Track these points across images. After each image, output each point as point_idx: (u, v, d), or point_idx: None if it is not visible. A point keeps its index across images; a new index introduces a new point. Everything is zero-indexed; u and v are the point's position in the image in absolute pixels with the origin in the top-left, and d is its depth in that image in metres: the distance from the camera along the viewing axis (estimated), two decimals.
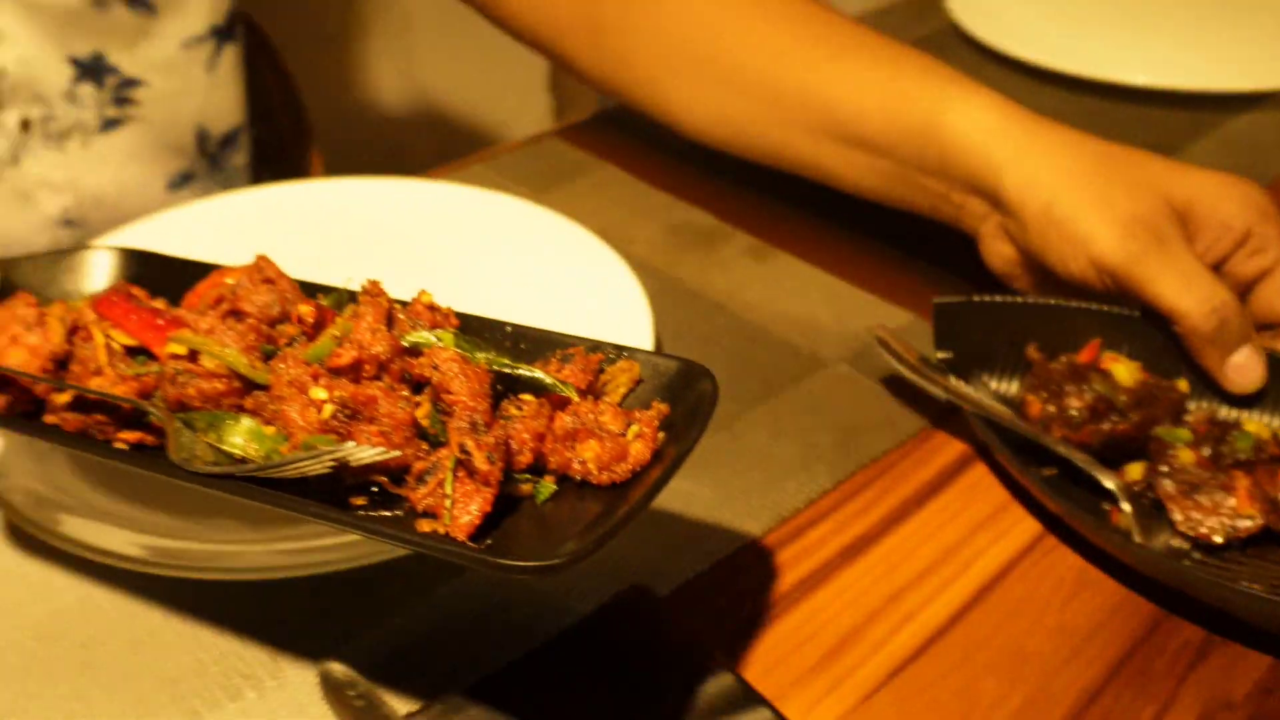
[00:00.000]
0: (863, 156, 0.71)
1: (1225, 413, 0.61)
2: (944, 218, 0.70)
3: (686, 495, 0.58)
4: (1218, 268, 0.63)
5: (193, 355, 0.46)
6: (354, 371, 0.44)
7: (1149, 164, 0.64)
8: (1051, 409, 0.58)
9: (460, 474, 0.41)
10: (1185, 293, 0.59)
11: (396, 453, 0.42)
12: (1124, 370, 0.60)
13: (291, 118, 1.20)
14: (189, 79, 0.96)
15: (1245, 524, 0.53)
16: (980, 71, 1.00)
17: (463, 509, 0.40)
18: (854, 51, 0.72)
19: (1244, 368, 0.60)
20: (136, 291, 0.51)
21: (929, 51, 0.71)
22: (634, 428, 0.43)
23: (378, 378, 0.44)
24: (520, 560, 0.38)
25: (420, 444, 0.43)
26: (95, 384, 0.47)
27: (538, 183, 0.86)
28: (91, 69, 0.91)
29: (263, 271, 0.49)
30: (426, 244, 0.76)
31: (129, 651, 0.51)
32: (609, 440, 0.43)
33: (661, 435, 0.44)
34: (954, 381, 0.62)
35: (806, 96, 0.72)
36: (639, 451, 0.43)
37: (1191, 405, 0.61)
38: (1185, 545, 0.54)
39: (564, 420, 0.44)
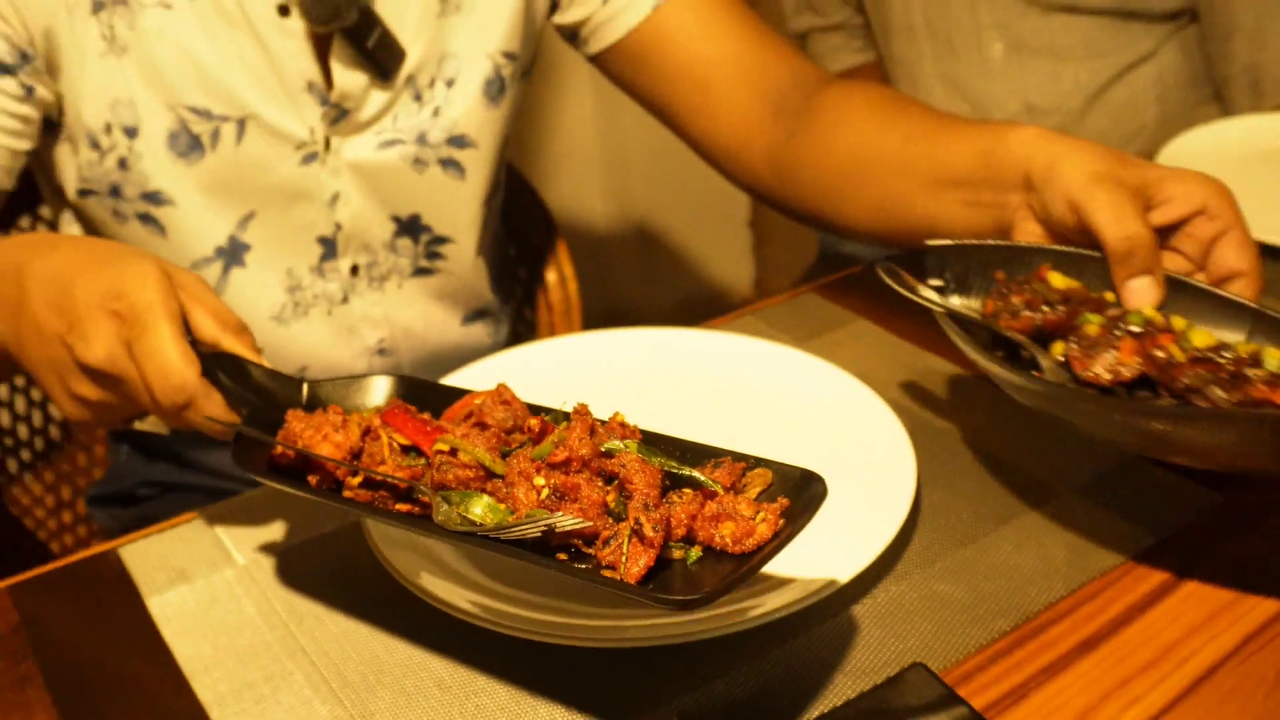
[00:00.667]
0: (959, 193, 0.93)
1: (1149, 315, 0.76)
2: (1000, 225, 0.89)
3: (945, 597, 0.72)
4: (1178, 228, 0.81)
5: (453, 451, 0.65)
6: (565, 466, 0.63)
7: (1140, 160, 0.85)
8: (999, 304, 0.77)
9: (634, 540, 0.59)
10: (1112, 223, 0.78)
11: (590, 524, 0.60)
12: (1058, 279, 0.79)
13: (544, 231, 1.40)
14: (485, 234, 1.17)
15: (1125, 371, 0.71)
16: None
17: (634, 563, 0.59)
18: (944, 122, 0.98)
19: (1139, 290, 0.79)
20: (409, 407, 0.71)
21: None
22: (761, 514, 0.61)
23: (581, 471, 0.63)
24: (670, 596, 0.56)
25: (607, 519, 0.61)
26: (380, 470, 0.67)
27: (802, 333, 1.02)
28: (409, 226, 1.12)
29: (501, 395, 0.70)
30: (712, 386, 0.92)
31: (511, 702, 0.67)
32: (742, 522, 0.60)
33: (782, 521, 0.61)
34: (936, 297, 0.82)
35: (929, 160, 0.95)
36: (763, 532, 0.60)
37: (1114, 310, 0.77)
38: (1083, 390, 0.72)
39: (711, 507, 0.62)
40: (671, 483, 0.64)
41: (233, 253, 1.05)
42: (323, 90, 1.02)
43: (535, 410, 0.70)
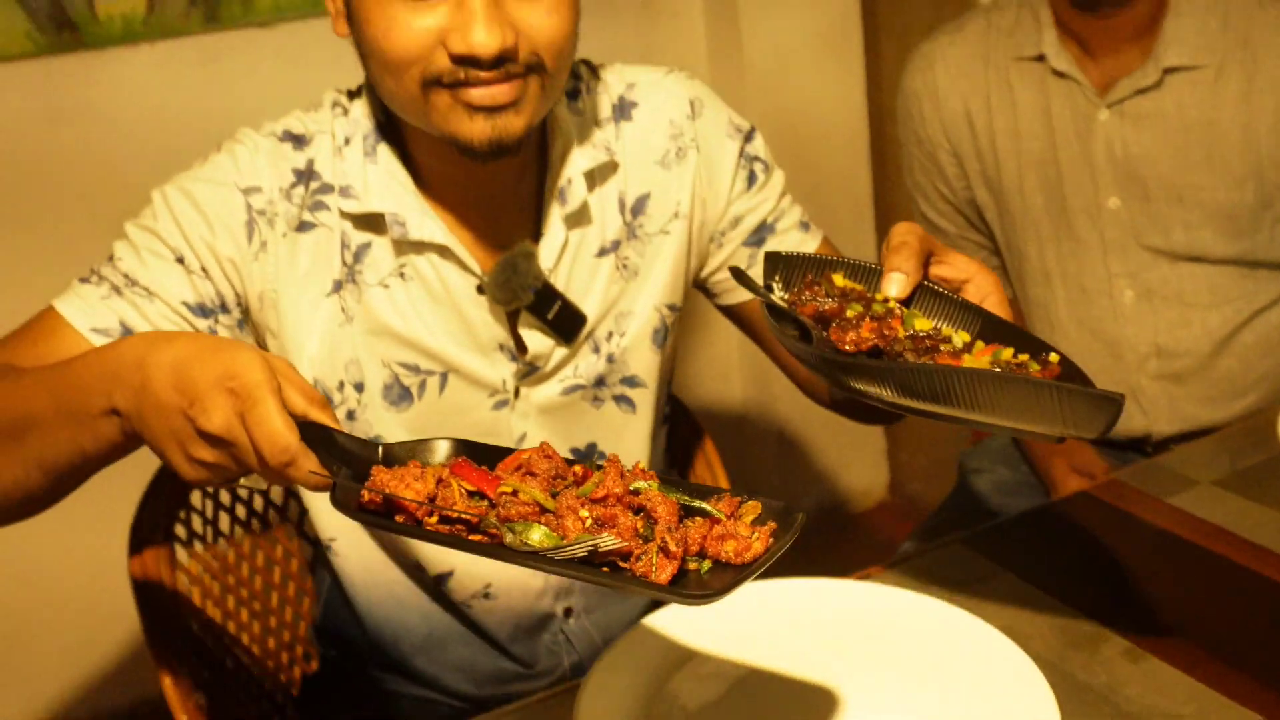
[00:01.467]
0: None
1: (892, 306, 0.99)
2: None
3: None
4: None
5: (514, 492, 0.82)
6: (603, 501, 0.81)
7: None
8: (796, 296, 1.00)
9: (660, 555, 0.77)
10: (893, 235, 1.00)
11: (626, 544, 0.78)
12: (839, 279, 1.01)
13: (691, 431, 1.54)
14: (654, 456, 1.33)
15: (866, 342, 0.93)
16: None
17: (662, 571, 0.77)
18: None
19: (894, 280, 0.98)
20: (472, 462, 0.88)
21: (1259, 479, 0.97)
22: (755, 534, 0.79)
23: (616, 505, 0.80)
24: (690, 592, 0.75)
25: (638, 540, 0.78)
26: (455, 510, 0.83)
27: (949, 585, 1.12)
28: (586, 455, 1.27)
29: (544, 451, 0.87)
30: (862, 638, 1.03)
31: None
32: (741, 540, 0.79)
33: (771, 540, 0.79)
34: (764, 291, 1.03)
35: None
36: (757, 548, 0.79)
37: (877, 304, 0.98)
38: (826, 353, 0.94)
39: (717, 530, 0.80)
40: (685, 512, 0.82)
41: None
42: (513, 350, 1.20)
43: (571, 462, 0.87)
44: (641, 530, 0.80)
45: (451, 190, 1.17)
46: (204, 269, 1.13)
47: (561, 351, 1.21)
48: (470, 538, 0.82)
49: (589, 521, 0.81)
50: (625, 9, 2.56)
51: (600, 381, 1.25)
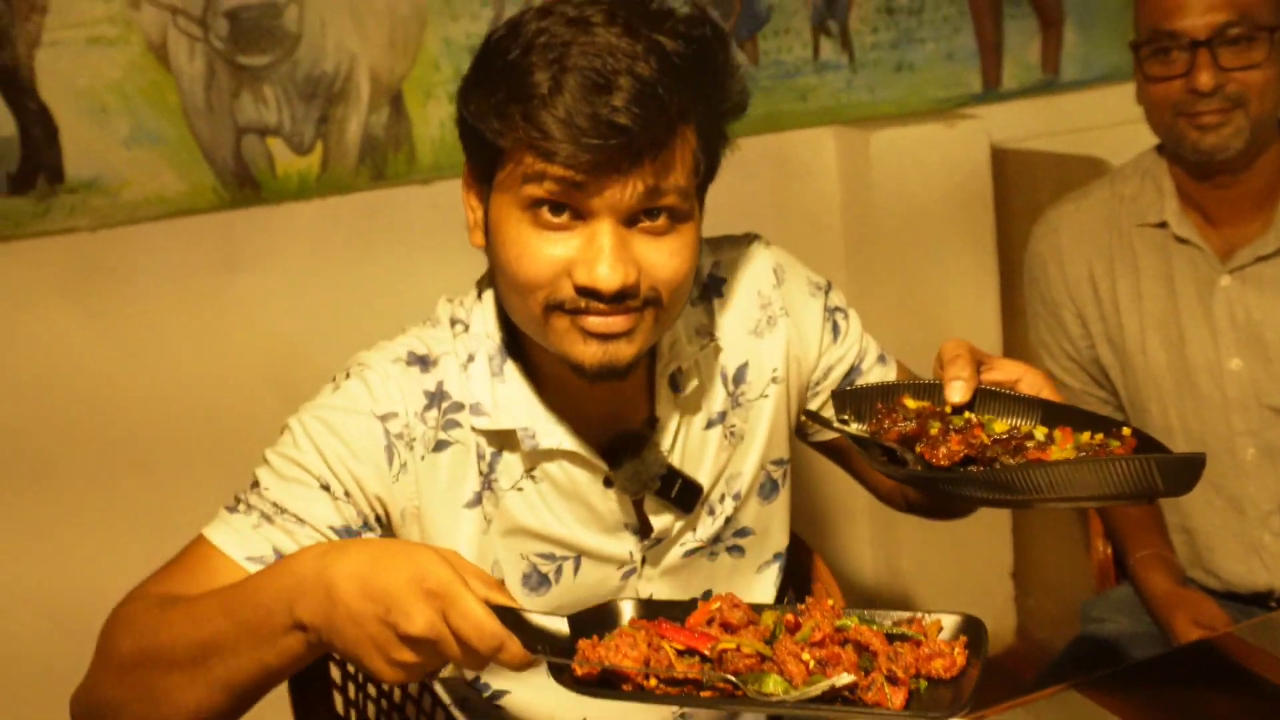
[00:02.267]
0: None
1: (969, 417, 1.11)
2: None
3: None
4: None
5: (737, 647, 0.91)
6: (821, 644, 0.89)
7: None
8: (877, 425, 1.12)
9: (888, 684, 0.85)
10: (945, 349, 1.13)
11: (854, 678, 0.86)
12: (911, 401, 1.13)
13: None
14: (766, 596, 1.39)
15: (958, 454, 1.04)
16: None
17: (895, 697, 0.85)
18: None
19: (955, 387, 1.11)
20: (670, 621, 0.96)
21: None
22: (955, 649, 0.89)
23: (832, 644, 0.89)
24: (932, 713, 0.84)
25: (861, 673, 0.86)
26: (675, 672, 0.90)
27: None
28: (704, 598, 1.33)
29: (732, 600, 0.95)
30: None
31: None
32: (947, 658, 0.88)
33: (968, 652, 0.91)
34: (839, 426, 1.16)
35: None
36: (960, 661, 0.90)
37: (952, 418, 1.10)
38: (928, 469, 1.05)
39: (923, 650, 0.90)
40: (892, 639, 0.93)
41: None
42: (638, 527, 1.27)
43: (758, 609, 0.96)
44: (860, 663, 0.89)
45: (571, 392, 1.22)
46: (347, 493, 1.17)
47: (680, 519, 1.29)
48: (702, 694, 0.90)
49: (812, 664, 0.89)
50: (762, 167, 2.68)
51: (716, 539, 1.33)
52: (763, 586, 1.40)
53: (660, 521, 1.28)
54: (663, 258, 1.12)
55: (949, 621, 0.95)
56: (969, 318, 2.74)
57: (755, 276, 1.33)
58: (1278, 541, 1.69)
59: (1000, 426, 1.09)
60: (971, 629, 0.94)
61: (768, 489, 1.37)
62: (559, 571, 1.27)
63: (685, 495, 1.27)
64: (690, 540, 1.31)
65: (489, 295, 1.25)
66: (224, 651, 1.02)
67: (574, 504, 1.25)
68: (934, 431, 1.08)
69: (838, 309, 1.38)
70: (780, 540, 1.41)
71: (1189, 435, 1.72)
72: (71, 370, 2.17)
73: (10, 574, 2.16)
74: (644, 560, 1.29)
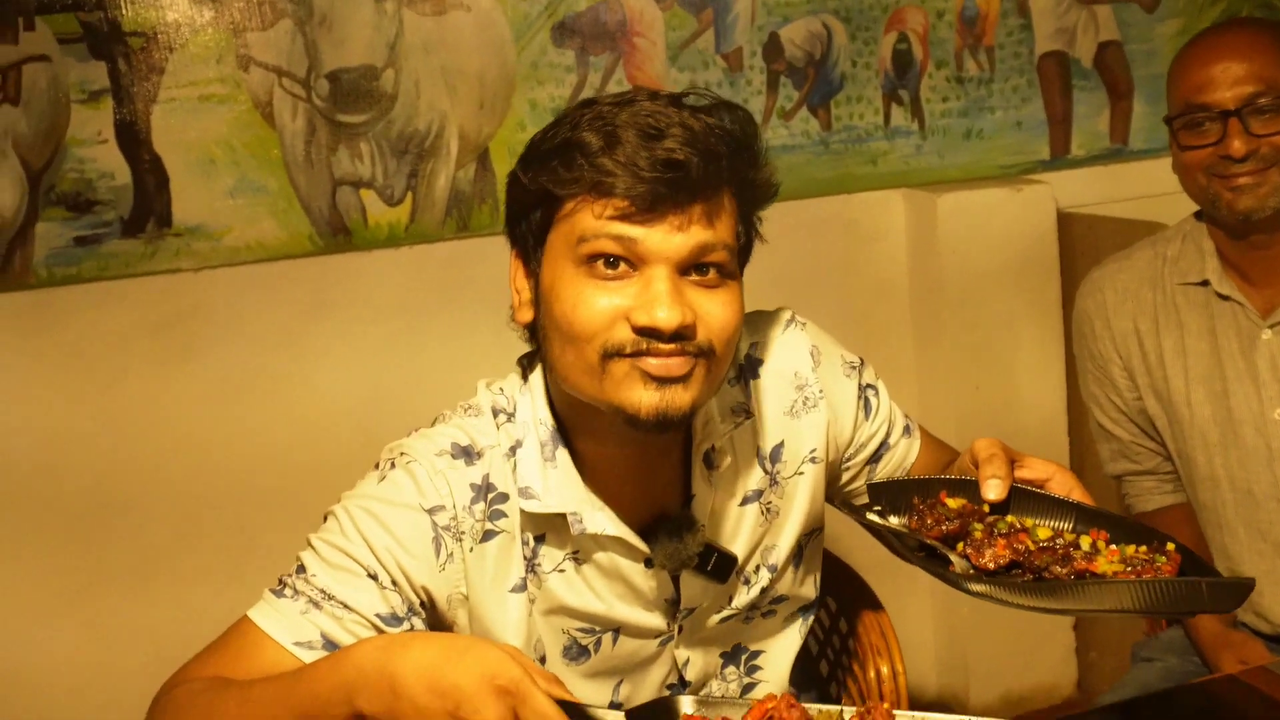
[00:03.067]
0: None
1: (1011, 520, 1.16)
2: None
3: None
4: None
5: None
6: None
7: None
8: (917, 522, 1.16)
9: None
10: (981, 449, 1.21)
11: None
12: (952, 501, 1.18)
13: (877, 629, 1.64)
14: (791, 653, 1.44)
15: (1001, 560, 1.10)
16: None
17: None
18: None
19: (992, 485, 1.17)
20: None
21: None
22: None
23: None
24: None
25: None
26: None
27: None
28: (733, 654, 1.39)
29: (788, 701, 1.01)
30: None
31: None
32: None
33: None
34: (877, 519, 1.20)
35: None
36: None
37: (991, 518, 1.15)
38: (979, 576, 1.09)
39: None
40: None
41: (614, 707, 1.34)
42: (675, 600, 1.32)
43: (812, 709, 1.03)
44: None
45: (613, 473, 1.26)
46: (394, 583, 1.20)
47: (715, 589, 1.34)
48: None
49: None
50: (832, 227, 2.77)
51: (752, 608, 1.39)
52: (789, 637, 1.45)
53: (696, 594, 1.33)
54: (716, 307, 1.17)
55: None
56: (1035, 379, 2.78)
57: (793, 358, 1.37)
58: None
59: (1044, 533, 1.13)
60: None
61: (798, 558, 1.41)
62: (598, 643, 1.31)
63: (721, 567, 1.31)
64: (727, 609, 1.36)
65: (536, 380, 1.28)
66: None
67: (614, 583, 1.29)
68: (978, 535, 1.13)
69: (869, 386, 1.43)
70: (809, 595, 1.46)
71: (1234, 484, 1.77)
72: (170, 401, 2.32)
73: (115, 609, 2.30)
74: (680, 629, 1.34)
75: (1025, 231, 2.75)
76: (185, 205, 2.31)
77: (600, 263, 1.15)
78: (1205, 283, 1.77)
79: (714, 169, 1.15)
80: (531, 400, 1.28)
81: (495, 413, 1.28)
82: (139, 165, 2.27)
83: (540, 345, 1.24)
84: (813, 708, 1.04)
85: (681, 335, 1.14)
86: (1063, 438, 2.78)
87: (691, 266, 1.17)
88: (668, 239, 1.14)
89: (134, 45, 2.23)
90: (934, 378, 2.81)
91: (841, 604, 1.66)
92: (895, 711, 1.03)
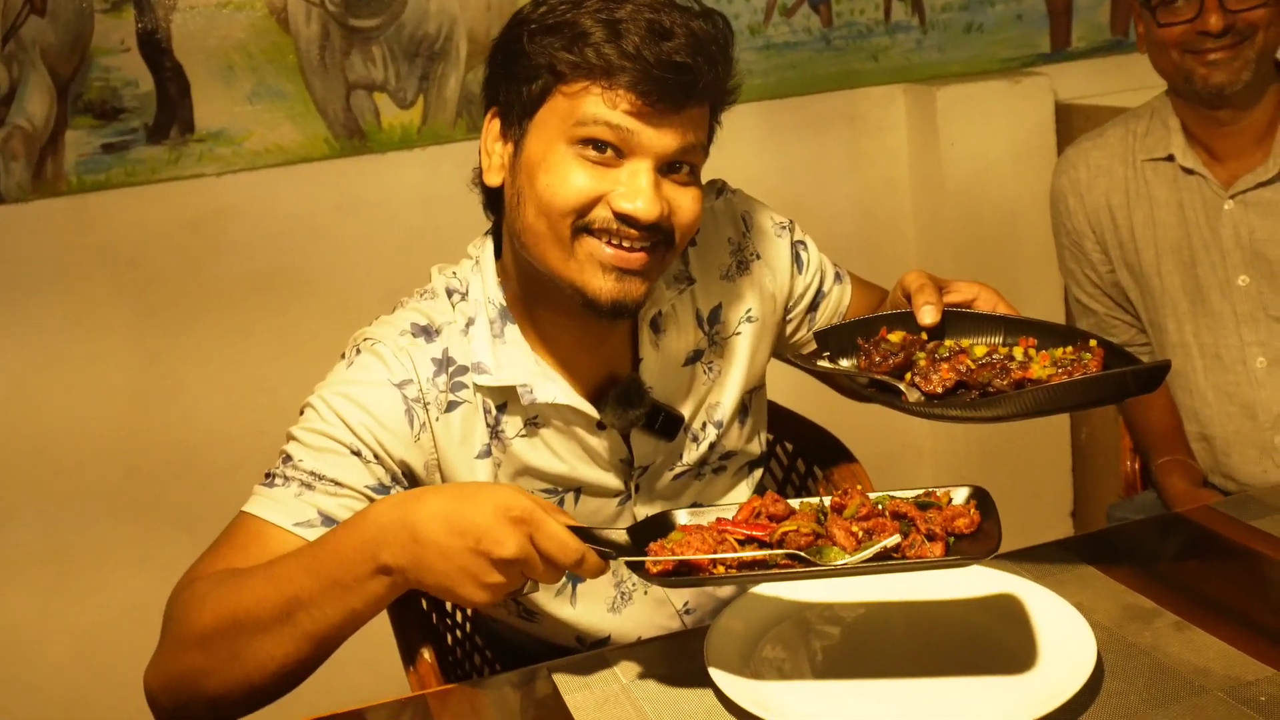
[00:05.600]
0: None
1: (949, 344, 1.25)
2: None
3: None
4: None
5: (796, 529, 1.09)
6: (868, 517, 1.07)
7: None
8: (864, 361, 1.24)
9: (926, 541, 1.06)
10: (911, 279, 1.29)
11: (899, 539, 1.05)
12: (894, 335, 1.25)
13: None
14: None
15: (949, 381, 1.18)
16: None
17: (936, 548, 1.05)
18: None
19: (925, 310, 1.26)
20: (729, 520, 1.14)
21: None
22: (970, 509, 1.11)
23: (875, 517, 1.08)
24: (969, 557, 1.06)
25: (901, 536, 1.06)
26: (744, 554, 1.08)
27: (1037, 573, 1.32)
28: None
29: (773, 496, 1.12)
30: (945, 599, 1.26)
31: None
32: (968, 516, 1.10)
33: (978, 511, 1.10)
34: (828, 365, 1.28)
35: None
36: (976, 517, 1.10)
37: (931, 345, 1.23)
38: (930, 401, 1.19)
39: (947, 512, 1.10)
40: (921, 507, 1.12)
41: (574, 575, 1.34)
42: (629, 460, 1.39)
43: (794, 501, 1.15)
44: (902, 528, 1.08)
45: (565, 340, 1.33)
46: (376, 456, 1.26)
47: (666, 447, 1.41)
48: (760, 574, 1.09)
49: (860, 534, 1.08)
50: (835, 123, 2.84)
51: (702, 463, 1.46)
52: (740, 492, 1.53)
53: (646, 452, 1.39)
54: (687, 202, 1.25)
55: (959, 493, 1.13)
56: (1034, 270, 2.86)
57: (725, 226, 1.45)
58: None
59: (980, 350, 1.22)
60: (980, 494, 1.12)
61: (743, 414, 1.48)
62: (561, 504, 1.36)
63: (668, 425, 1.38)
64: (679, 466, 1.43)
65: (487, 261, 1.35)
66: (310, 605, 1.12)
67: (572, 444, 1.35)
68: (922, 363, 1.21)
69: (799, 242, 1.51)
70: (756, 450, 1.54)
71: (1203, 350, 1.85)
72: (202, 301, 2.44)
73: (157, 502, 2.45)
74: (637, 488, 1.41)
75: (1024, 123, 2.81)
76: (206, 111, 2.41)
77: (591, 146, 1.21)
78: (1170, 157, 1.85)
79: (711, 76, 1.24)
80: (482, 280, 1.35)
81: (449, 293, 1.35)
82: (161, 73, 2.37)
83: (505, 211, 1.30)
84: (795, 501, 1.14)
85: (655, 226, 1.22)
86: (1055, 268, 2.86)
87: (670, 164, 1.24)
88: (660, 136, 1.21)
89: None
90: (935, 268, 2.87)
91: (800, 447, 1.75)
92: (869, 493, 1.14)
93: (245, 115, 2.44)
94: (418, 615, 1.48)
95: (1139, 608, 1.24)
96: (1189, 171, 1.83)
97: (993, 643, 1.20)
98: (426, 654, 1.38)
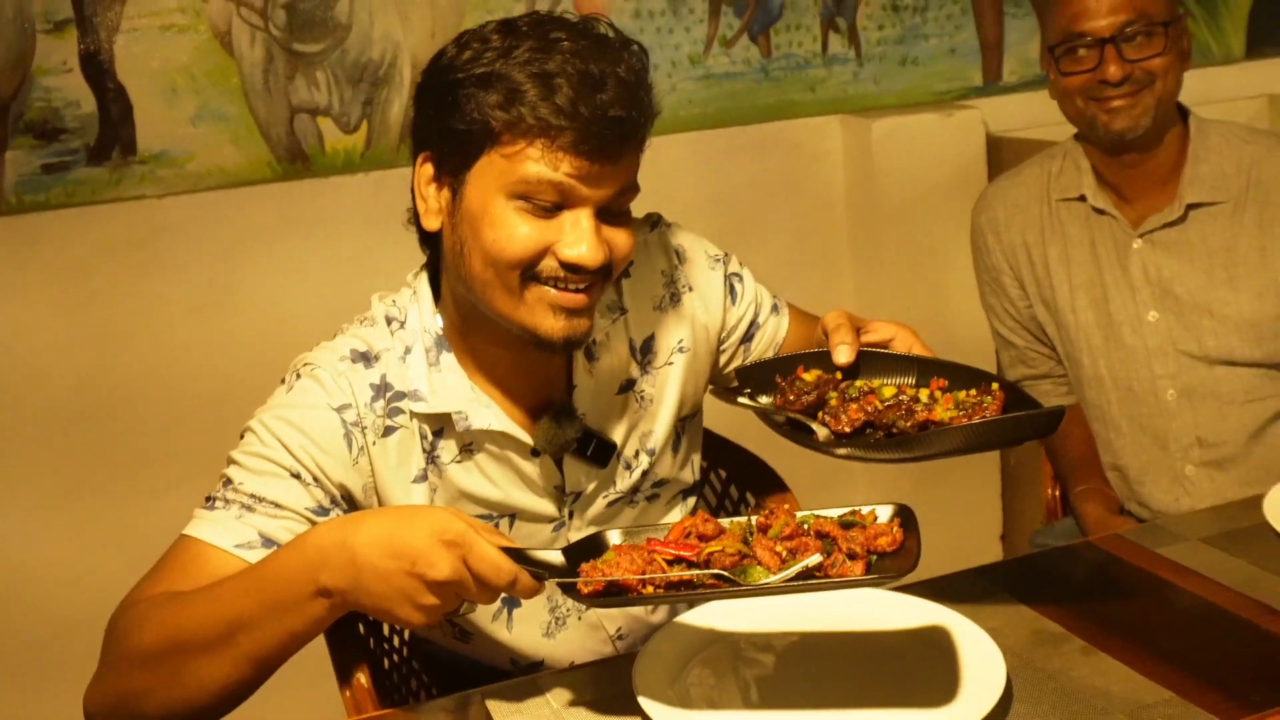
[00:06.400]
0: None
1: (860, 384, 1.29)
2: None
3: None
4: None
5: (722, 549, 1.11)
6: (791, 537, 1.11)
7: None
8: (780, 398, 1.28)
9: (847, 560, 1.09)
10: (829, 319, 1.34)
11: (821, 559, 1.08)
12: (808, 374, 1.30)
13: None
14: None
15: (857, 421, 1.22)
16: None
17: (857, 567, 1.08)
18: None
19: (840, 350, 1.30)
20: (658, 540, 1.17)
21: (1237, 538, 1.37)
22: (893, 527, 1.13)
23: (798, 537, 1.11)
24: (888, 575, 1.08)
25: (824, 555, 1.08)
26: (670, 576, 1.10)
27: (952, 598, 1.37)
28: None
29: (703, 517, 1.15)
30: (860, 625, 1.31)
31: None
32: (890, 535, 1.12)
33: (903, 530, 1.12)
34: (747, 401, 1.30)
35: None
36: (899, 536, 1.12)
37: (844, 384, 1.28)
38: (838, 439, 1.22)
39: (870, 532, 1.13)
40: (844, 526, 1.15)
41: (510, 599, 1.45)
42: (562, 486, 1.43)
43: (723, 521, 1.18)
44: (824, 547, 1.11)
45: (500, 368, 1.37)
46: (315, 478, 1.29)
47: (602, 475, 1.45)
48: (685, 594, 1.12)
49: (784, 554, 1.11)
50: (774, 151, 2.90)
51: (635, 490, 1.50)
52: (674, 519, 1.53)
53: (579, 478, 1.43)
54: (623, 238, 1.29)
55: (883, 511, 1.16)
56: (964, 296, 2.91)
57: (658, 258, 1.49)
58: (1198, 472, 1.89)
59: (889, 391, 1.27)
60: (903, 512, 1.15)
61: (676, 443, 1.52)
62: (496, 527, 1.34)
63: (600, 452, 1.42)
64: (612, 493, 1.46)
65: (424, 293, 1.39)
66: (250, 626, 1.13)
67: (507, 470, 1.39)
68: (834, 402, 1.26)
69: (734, 274, 1.55)
70: (689, 478, 1.58)
71: (1116, 383, 1.93)
72: (140, 320, 2.45)
73: (98, 511, 2.45)
74: (571, 515, 1.44)
75: (956, 155, 2.89)
76: (149, 133, 2.43)
77: (533, 202, 1.24)
78: (1082, 198, 1.92)
79: (644, 121, 1.28)
80: (419, 310, 1.39)
81: (388, 321, 1.38)
82: (104, 94, 2.39)
83: (445, 253, 1.33)
84: (726, 521, 1.18)
85: (601, 270, 1.27)
86: (990, 349, 2.93)
87: (607, 207, 1.28)
88: (599, 186, 1.25)
89: None
90: (870, 294, 2.96)
91: (733, 474, 1.79)
92: (797, 513, 1.17)
93: (188, 137, 2.46)
94: (354, 637, 1.51)
95: (1049, 633, 1.30)
96: (1100, 211, 1.91)
97: (909, 667, 1.25)
98: (362, 677, 1.41)
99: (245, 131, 2.48)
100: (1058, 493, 2.14)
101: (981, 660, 1.21)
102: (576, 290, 1.27)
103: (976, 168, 2.91)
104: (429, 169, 1.32)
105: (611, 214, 1.29)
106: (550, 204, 1.25)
